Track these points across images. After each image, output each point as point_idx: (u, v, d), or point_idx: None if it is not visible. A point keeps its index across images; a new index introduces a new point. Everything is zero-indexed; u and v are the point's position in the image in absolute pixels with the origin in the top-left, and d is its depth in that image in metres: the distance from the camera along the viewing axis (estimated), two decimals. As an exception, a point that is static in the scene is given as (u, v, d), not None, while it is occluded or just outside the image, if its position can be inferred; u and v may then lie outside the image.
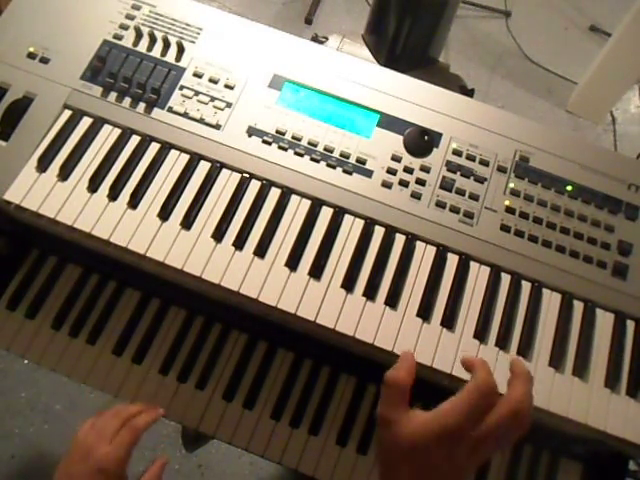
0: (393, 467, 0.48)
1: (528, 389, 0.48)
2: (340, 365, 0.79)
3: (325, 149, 0.73)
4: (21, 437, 1.42)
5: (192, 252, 0.67)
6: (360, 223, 0.70)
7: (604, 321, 0.69)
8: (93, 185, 0.69)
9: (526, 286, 0.70)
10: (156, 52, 0.76)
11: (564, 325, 0.68)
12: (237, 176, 0.71)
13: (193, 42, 0.77)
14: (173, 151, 0.72)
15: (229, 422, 0.75)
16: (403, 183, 0.72)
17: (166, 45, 0.76)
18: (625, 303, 0.69)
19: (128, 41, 0.76)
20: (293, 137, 0.73)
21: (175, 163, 0.72)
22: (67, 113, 0.73)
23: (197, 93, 0.74)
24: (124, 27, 0.77)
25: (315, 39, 1.25)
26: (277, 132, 0.73)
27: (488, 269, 0.70)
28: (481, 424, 0.46)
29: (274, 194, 0.71)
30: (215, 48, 0.77)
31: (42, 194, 0.68)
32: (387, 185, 0.72)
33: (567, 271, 0.70)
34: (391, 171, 0.73)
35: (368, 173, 0.72)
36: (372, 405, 0.77)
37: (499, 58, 2.28)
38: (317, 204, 0.71)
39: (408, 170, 0.73)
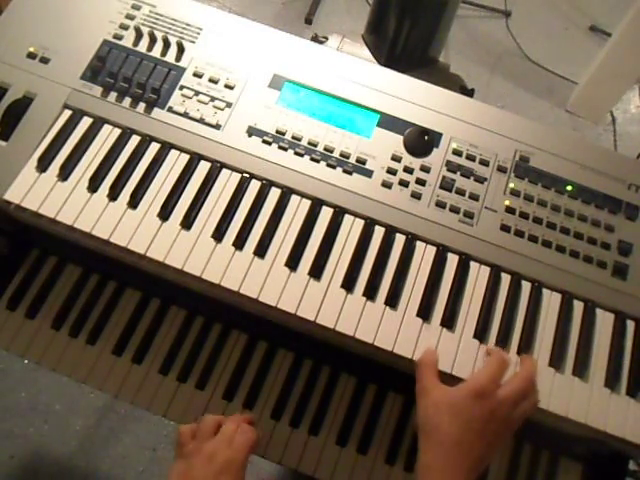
0: (439, 427, 0.56)
1: (535, 367, 0.62)
2: (340, 365, 0.78)
3: (325, 149, 0.73)
4: (21, 437, 1.42)
5: (192, 252, 0.67)
6: (360, 223, 0.70)
7: (604, 321, 0.69)
8: (93, 185, 0.69)
9: (526, 286, 0.70)
10: (156, 52, 0.76)
11: (564, 325, 0.68)
12: (237, 176, 0.71)
13: (193, 42, 0.77)
14: (173, 151, 0.72)
15: (229, 422, 0.75)
16: (403, 183, 0.72)
17: (166, 45, 0.76)
18: (625, 303, 0.69)
19: (128, 41, 0.77)
20: (293, 137, 0.73)
21: (175, 163, 0.72)
22: (67, 113, 0.73)
23: (197, 93, 0.74)
24: (124, 27, 0.77)
25: (315, 39, 1.24)
26: (277, 132, 0.73)
27: (488, 269, 0.70)
28: (503, 386, 0.57)
29: (274, 194, 0.71)
30: (215, 48, 0.77)
31: (42, 194, 0.68)
32: (387, 185, 0.72)
33: (567, 271, 0.70)
34: (391, 171, 0.73)
35: (368, 173, 0.72)
36: (372, 405, 0.77)
37: (499, 58, 2.28)
38: (317, 204, 0.71)
39: (408, 170, 0.73)
